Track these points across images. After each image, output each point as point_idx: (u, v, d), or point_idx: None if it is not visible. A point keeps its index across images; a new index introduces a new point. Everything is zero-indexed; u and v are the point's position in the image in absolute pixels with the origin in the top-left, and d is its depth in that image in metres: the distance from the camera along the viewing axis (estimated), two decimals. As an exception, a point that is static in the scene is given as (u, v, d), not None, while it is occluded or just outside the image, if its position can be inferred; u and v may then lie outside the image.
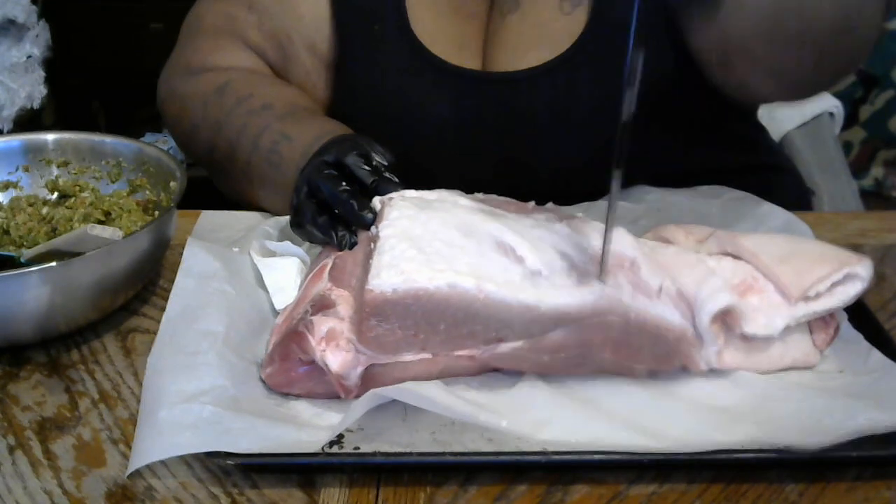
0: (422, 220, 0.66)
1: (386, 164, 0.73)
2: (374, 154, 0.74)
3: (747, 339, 0.67)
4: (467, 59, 0.91)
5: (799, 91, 0.84)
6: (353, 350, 0.63)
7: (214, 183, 0.95)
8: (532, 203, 0.72)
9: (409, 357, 0.64)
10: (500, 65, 0.90)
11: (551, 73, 0.88)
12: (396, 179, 0.72)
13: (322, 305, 0.65)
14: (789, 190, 1.05)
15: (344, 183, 0.71)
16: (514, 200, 0.72)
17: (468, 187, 0.74)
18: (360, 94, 0.93)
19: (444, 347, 0.64)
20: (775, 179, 1.02)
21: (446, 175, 0.77)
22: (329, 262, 0.69)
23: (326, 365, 0.63)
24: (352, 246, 0.70)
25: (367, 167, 0.72)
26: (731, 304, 0.65)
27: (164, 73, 1.01)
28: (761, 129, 1.09)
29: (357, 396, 0.64)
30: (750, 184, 0.90)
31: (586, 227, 0.69)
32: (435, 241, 0.64)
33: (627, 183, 0.91)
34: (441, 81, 0.90)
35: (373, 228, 0.68)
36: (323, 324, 0.64)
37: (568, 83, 0.88)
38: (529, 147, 0.91)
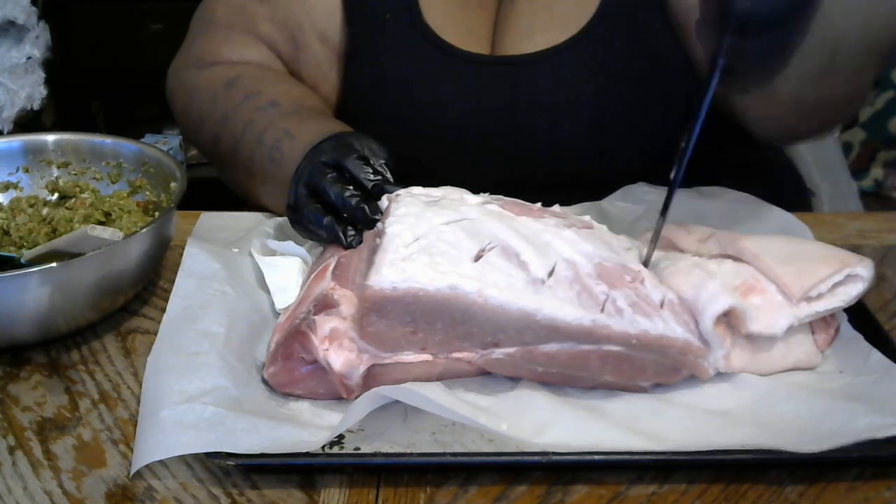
0: (427, 218, 0.66)
1: (382, 161, 0.74)
2: (371, 156, 0.74)
3: (752, 339, 0.67)
4: (476, 46, 0.91)
5: (800, 136, 0.87)
6: (355, 349, 0.64)
7: (218, 172, 0.95)
8: (539, 204, 0.72)
9: (409, 356, 0.64)
10: (508, 49, 0.91)
11: (558, 55, 0.88)
12: (392, 180, 0.72)
13: (325, 305, 0.65)
14: (787, 186, 1.05)
15: (351, 188, 0.72)
16: (519, 201, 0.72)
17: (472, 172, 0.74)
18: (369, 83, 0.94)
19: (442, 347, 0.64)
20: (775, 175, 1.02)
21: (451, 160, 0.77)
22: (332, 261, 0.69)
23: (329, 364, 0.63)
24: (358, 244, 0.70)
25: (368, 171, 0.72)
26: (733, 304, 0.65)
27: (174, 64, 1.01)
28: None
29: (358, 397, 0.64)
30: (750, 175, 0.90)
31: (594, 234, 0.68)
32: (440, 242, 0.64)
33: (625, 166, 0.91)
34: (449, 66, 0.91)
35: (379, 224, 0.68)
36: (326, 323, 0.64)
37: (574, 65, 0.88)
38: (531, 129, 0.91)
